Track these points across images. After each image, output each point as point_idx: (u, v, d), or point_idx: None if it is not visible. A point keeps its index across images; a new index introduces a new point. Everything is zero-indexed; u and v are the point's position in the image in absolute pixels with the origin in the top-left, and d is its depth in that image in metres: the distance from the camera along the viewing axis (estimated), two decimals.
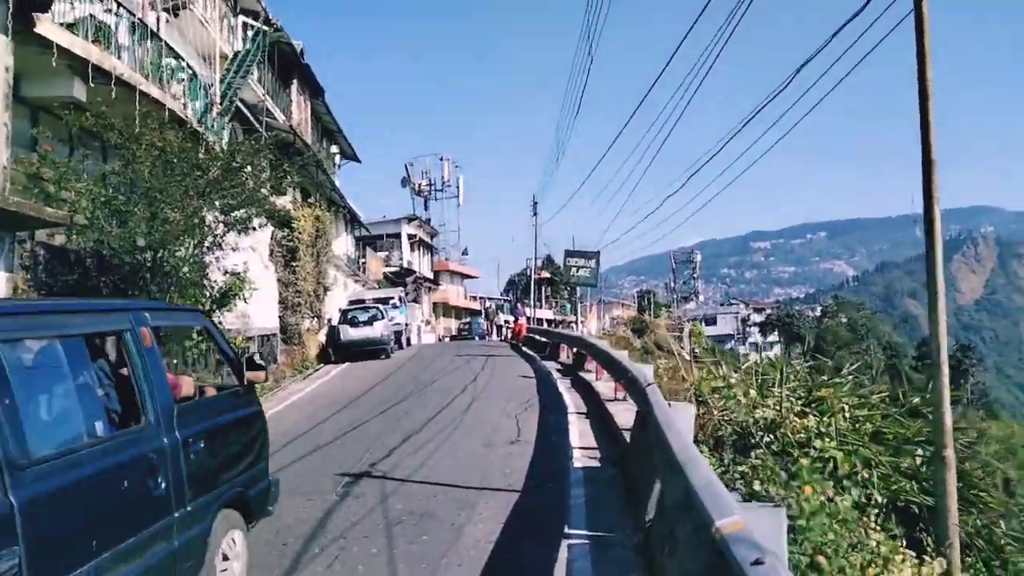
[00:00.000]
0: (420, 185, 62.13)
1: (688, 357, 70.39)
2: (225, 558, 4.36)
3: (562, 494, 6.26)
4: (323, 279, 20.90)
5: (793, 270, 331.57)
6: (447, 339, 53.55)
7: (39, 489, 2.81)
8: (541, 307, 61.35)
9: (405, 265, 48.62)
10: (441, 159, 62.06)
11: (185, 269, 9.92)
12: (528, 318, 32.95)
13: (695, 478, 3.45)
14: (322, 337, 21.85)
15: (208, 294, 10.79)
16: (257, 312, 17.22)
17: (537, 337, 23.20)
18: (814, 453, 6.04)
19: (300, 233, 19.42)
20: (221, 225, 10.41)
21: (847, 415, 7.13)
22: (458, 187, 61.69)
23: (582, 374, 14.68)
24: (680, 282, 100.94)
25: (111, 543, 3.19)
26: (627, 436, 7.37)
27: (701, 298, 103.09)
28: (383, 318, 21.09)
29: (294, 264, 19.30)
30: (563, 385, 13.48)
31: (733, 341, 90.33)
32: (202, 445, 4.12)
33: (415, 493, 6.46)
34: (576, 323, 26.49)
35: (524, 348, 22.90)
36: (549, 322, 62.36)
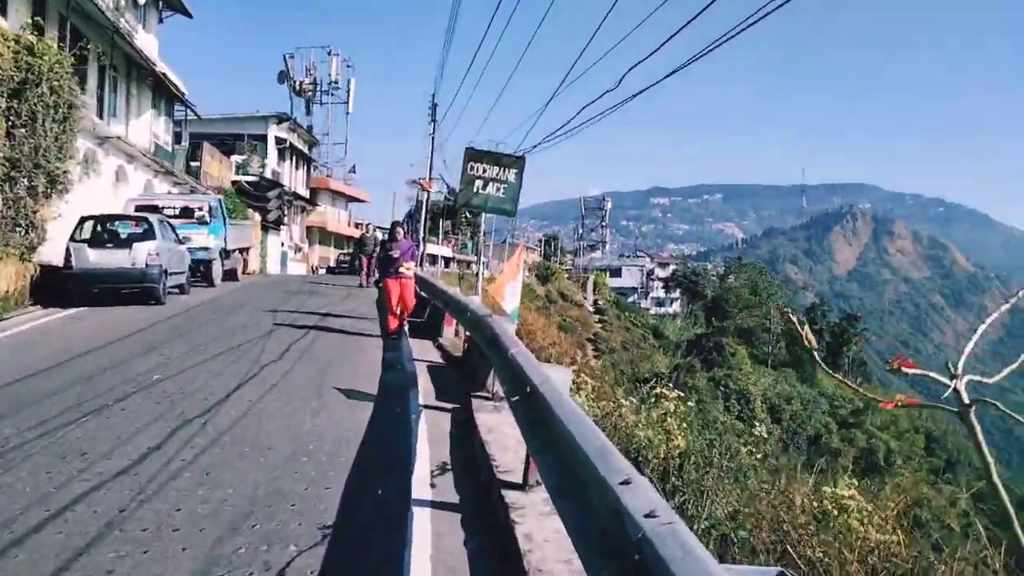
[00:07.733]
0: (302, 83, 51.00)
1: (591, 308, 65.31)
2: None
3: None
4: (46, 160, 11.76)
5: (687, 227, 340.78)
6: (322, 270, 44.48)
7: None
8: (439, 243, 53.10)
9: (269, 175, 38.51)
10: (329, 53, 51.04)
11: None
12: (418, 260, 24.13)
13: None
14: (56, 259, 13.00)
15: None
16: None
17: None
18: None
19: None
20: None
21: None
22: (348, 90, 51.19)
23: (481, 400, 6.48)
24: (588, 229, 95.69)
25: None
26: None
27: (607, 247, 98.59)
28: (156, 237, 12.41)
29: None
30: (426, 460, 5.09)
31: (636, 295, 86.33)
32: None
33: None
34: (479, 266, 18.52)
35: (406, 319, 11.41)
36: (447, 262, 54.11)
